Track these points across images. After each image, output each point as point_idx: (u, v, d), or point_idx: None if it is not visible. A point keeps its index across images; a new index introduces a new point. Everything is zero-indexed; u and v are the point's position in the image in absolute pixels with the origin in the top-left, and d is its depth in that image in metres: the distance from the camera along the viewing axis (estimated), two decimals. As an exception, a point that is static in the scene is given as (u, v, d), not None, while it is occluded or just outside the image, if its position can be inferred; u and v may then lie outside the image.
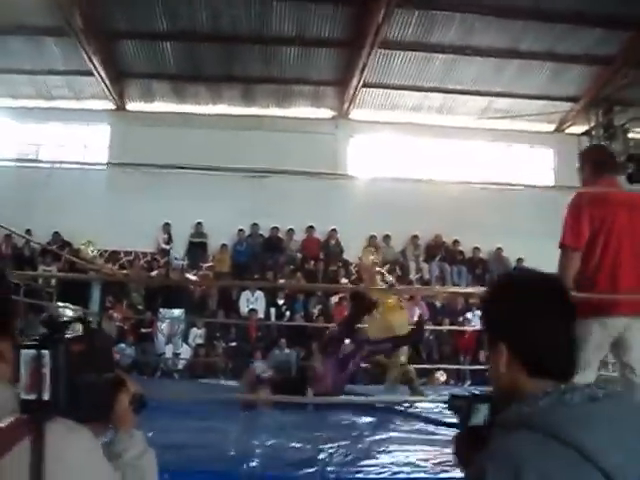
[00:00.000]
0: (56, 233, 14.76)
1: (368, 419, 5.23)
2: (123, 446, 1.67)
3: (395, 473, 3.16)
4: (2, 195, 14.41)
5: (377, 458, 3.58)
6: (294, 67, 14.78)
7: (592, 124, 14.44)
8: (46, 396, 1.48)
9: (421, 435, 4.45)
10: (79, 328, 1.69)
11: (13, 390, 1.50)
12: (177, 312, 10.07)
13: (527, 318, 1.55)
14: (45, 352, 1.51)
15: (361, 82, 14.92)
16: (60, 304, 9.25)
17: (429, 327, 13.50)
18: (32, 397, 1.48)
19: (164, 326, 10.09)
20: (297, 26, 13.51)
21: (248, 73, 15.12)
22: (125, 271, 11.15)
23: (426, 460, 3.50)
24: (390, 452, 3.78)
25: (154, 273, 13.90)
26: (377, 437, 4.35)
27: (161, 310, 10.16)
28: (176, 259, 10.81)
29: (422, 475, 3.11)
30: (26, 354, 1.51)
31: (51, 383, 1.49)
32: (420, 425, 5.07)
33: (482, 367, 12.57)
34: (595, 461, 1.29)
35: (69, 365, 1.53)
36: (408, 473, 3.16)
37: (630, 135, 13.10)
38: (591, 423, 1.34)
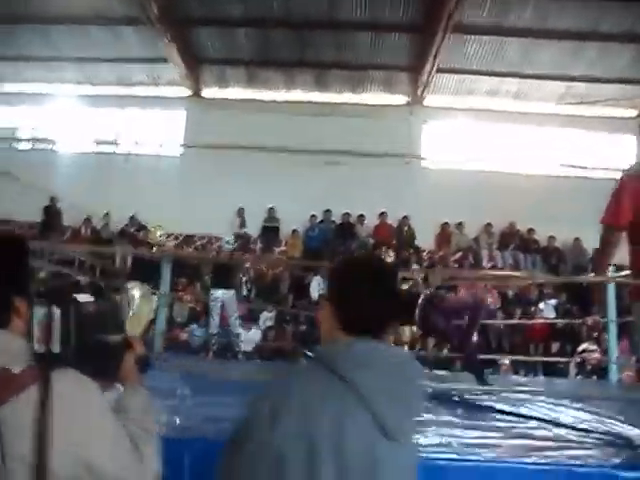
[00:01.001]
0: (132, 217, 15.11)
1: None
2: (128, 400, 1.79)
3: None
4: (82, 179, 14.92)
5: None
6: (367, 52, 14.73)
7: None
8: (55, 349, 1.65)
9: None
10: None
11: (27, 344, 1.64)
12: (226, 293, 10.15)
13: (346, 288, 1.89)
14: (56, 309, 1.67)
15: (435, 67, 14.76)
16: (130, 283, 9.44)
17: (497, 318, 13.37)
18: (43, 349, 1.65)
19: (217, 306, 10.19)
20: (369, 10, 13.47)
21: (321, 59, 15.16)
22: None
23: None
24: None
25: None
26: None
27: (212, 291, 10.27)
28: (227, 243, 10.90)
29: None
30: (38, 310, 1.67)
31: (60, 337, 1.66)
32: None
33: (554, 359, 12.41)
34: (363, 395, 1.66)
35: (78, 323, 1.68)
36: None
37: None
38: (364, 366, 1.70)
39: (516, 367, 12.58)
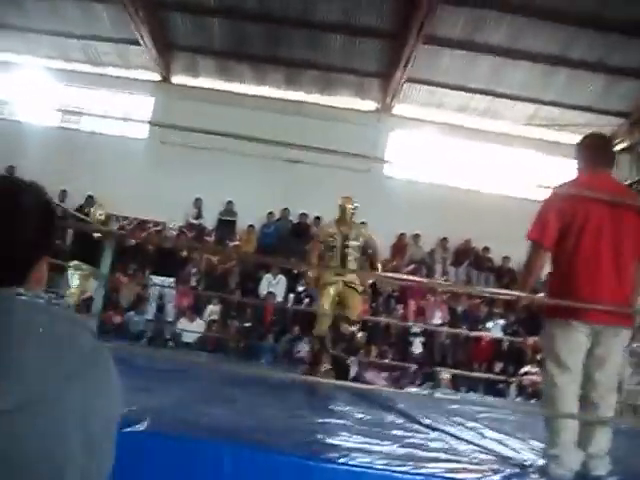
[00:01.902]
0: (90, 196, 14.87)
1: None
2: None
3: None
4: (43, 155, 14.66)
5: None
6: (339, 55, 14.68)
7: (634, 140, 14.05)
8: None
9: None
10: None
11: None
12: (166, 280, 10.05)
13: None
14: None
15: (405, 76, 14.72)
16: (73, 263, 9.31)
17: (445, 330, 13.38)
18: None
19: (155, 294, 10.10)
20: (344, 12, 13.42)
21: (293, 56, 15.06)
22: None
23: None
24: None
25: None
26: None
27: (152, 277, 10.18)
28: (171, 229, 10.80)
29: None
30: None
31: None
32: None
33: (496, 378, 12.43)
34: None
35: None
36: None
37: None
38: None
39: (458, 383, 12.60)
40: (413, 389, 9.80)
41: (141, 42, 14.80)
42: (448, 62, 14.43)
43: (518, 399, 11.70)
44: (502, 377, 12.41)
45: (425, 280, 14.26)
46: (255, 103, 15.83)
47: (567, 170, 16.39)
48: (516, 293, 4.14)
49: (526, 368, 12.29)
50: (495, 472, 3.18)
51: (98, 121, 16.39)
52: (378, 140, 15.99)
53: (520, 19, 12.95)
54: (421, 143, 16.44)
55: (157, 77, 16.32)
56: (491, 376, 12.54)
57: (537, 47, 13.65)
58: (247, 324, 13.02)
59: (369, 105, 16.27)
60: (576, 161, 4.08)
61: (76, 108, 16.45)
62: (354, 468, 2.85)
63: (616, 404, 3.74)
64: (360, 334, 12.53)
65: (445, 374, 12.08)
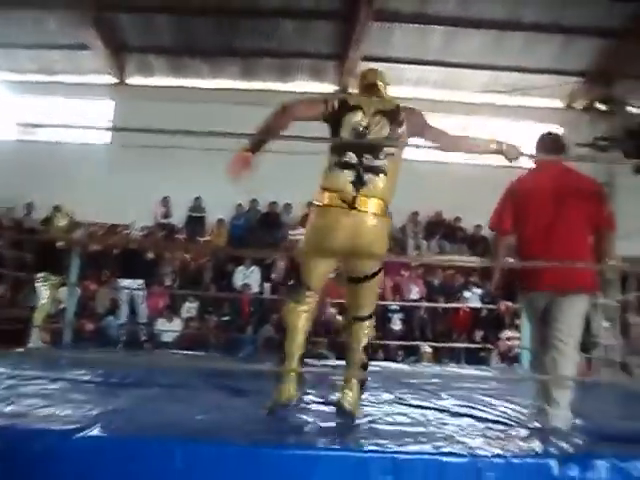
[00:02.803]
0: (57, 206, 14.74)
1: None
2: None
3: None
4: (5, 169, 14.50)
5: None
6: (293, 40, 14.61)
7: (594, 98, 14.09)
8: None
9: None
10: None
11: None
12: (135, 282, 10.04)
13: None
14: None
15: (360, 55, 14.70)
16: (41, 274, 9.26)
17: (423, 304, 13.43)
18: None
19: (124, 296, 10.08)
20: (292, -2, 13.36)
21: (247, 47, 14.97)
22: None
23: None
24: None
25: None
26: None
27: (119, 280, 10.17)
28: (135, 229, 10.77)
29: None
30: None
31: None
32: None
33: (477, 346, 12.52)
34: None
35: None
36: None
37: (630, 109, 12.78)
38: None
39: (439, 355, 12.68)
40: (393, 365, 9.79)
41: (91, 46, 14.64)
42: (401, 37, 14.42)
43: (501, 365, 11.78)
44: (483, 345, 12.49)
45: (410, 257, 14.33)
46: (214, 96, 15.73)
47: (531, 133, 16.56)
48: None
49: (506, 333, 12.38)
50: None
51: (58, 130, 16.22)
52: (340, 121, 15.95)
53: (468, -13, 12.98)
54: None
55: (112, 80, 16.16)
56: (472, 345, 12.64)
57: (488, 13, 13.71)
58: (225, 318, 13.01)
59: (328, 87, 16.21)
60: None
61: (35, 119, 16.31)
62: (308, 452, 2.86)
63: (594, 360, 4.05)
64: (339, 317, 12.66)
65: (426, 348, 12.12)
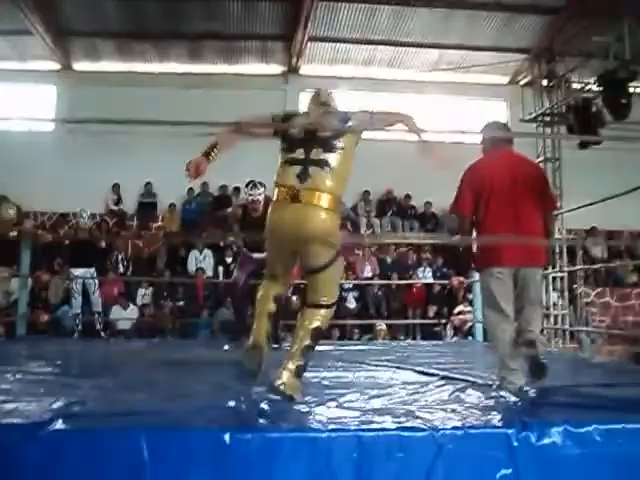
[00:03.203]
0: (3, 197, 14.48)
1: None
2: None
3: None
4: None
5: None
6: (239, 22, 14.48)
7: (535, 75, 14.33)
8: None
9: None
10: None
11: None
12: (87, 271, 9.98)
13: None
14: None
15: (306, 36, 14.70)
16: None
17: (377, 282, 13.59)
18: None
19: (77, 286, 10.01)
20: (237, -21, 13.27)
21: (194, 30, 14.77)
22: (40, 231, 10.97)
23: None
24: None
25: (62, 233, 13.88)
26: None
27: (71, 270, 10.09)
28: (82, 218, 10.67)
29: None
30: None
31: None
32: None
33: (431, 321, 12.73)
34: None
35: None
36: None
37: (572, 85, 13.05)
38: None
39: (395, 332, 12.86)
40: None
41: (34, 32, 14.33)
42: (348, 17, 14.41)
43: (454, 339, 11.99)
44: (437, 320, 12.72)
45: (367, 238, 14.46)
46: (161, 80, 15.66)
47: (476, 109, 16.79)
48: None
49: (459, 307, 12.61)
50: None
51: (2, 116, 15.92)
52: (289, 102, 15.93)
53: (413, -34, 13.06)
54: (334, 100, 16.44)
55: (57, 66, 15.88)
56: (426, 321, 12.85)
57: (433, -8, 13.79)
58: (180, 303, 13.01)
59: (275, 69, 16.24)
60: (482, 146, 4.88)
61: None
62: (271, 434, 2.92)
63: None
64: (294, 297, 12.73)
65: (382, 325, 12.28)
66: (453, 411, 3.40)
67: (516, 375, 4.31)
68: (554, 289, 12.53)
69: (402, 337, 12.79)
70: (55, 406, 3.34)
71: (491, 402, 3.79)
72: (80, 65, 16.03)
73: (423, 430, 2.93)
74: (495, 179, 4.54)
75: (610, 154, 13.18)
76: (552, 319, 12.13)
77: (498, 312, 4.45)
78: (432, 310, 13.36)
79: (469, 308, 11.61)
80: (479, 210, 4.54)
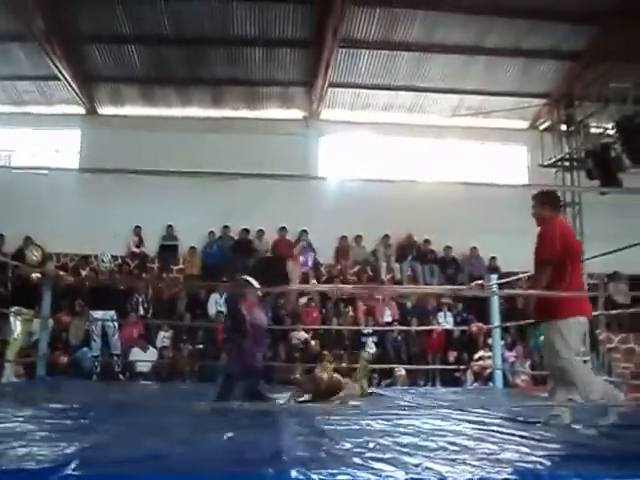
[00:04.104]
0: (28, 238, 14.66)
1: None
2: None
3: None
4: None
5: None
6: (260, 68, 14.79)
7: (555, 120, 14.35)
8: None
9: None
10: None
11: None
12: (107, 314, 10.02)
13: None
14: None
15: (327, 82, 14.93)
16: (13, 308, 9.21)
17: (397, 328, 13.51)
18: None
19: (96, 328, 10.06)
20: (259, 26, 13.57)
21: (215, 75, 15.11)
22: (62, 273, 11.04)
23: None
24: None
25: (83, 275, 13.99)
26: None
27: (92, 312, 10.15)
28: (103, 261, 10.73)
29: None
30: None
31: None
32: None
33: (451, 367, 12.60)
34: None
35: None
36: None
37: (591, 130, 13.05)
38: None
39: (414, 377, 12.74)
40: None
41: (61, 77, 14.66)
42: (368, 63, 14.67)
43: (474, 385, 11.87)
44: (456, 366, 12.59)
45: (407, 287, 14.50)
46: (184, 125, 15.91)
47: (495, 154, 16.86)
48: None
49: (480, 353, 12.49)
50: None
51: (28, 160, 16.18)
52: (309, 146, 16.17)
53: (432, 13, 13.26)
54: (352, 144, 16.64)
55: (82, 110, 16.18)
56: (446, 366, 12.72)
57: (453, 39, 13.99)
58: (200, 346, 12.99)
59: (296, 114, 16.40)
60: (541, 207, 5.36)
61: (4, 150, 16.28)
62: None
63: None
64: (313, 342, 12.71)
65: (400, 370, 12.19)
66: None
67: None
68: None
69: (422, 382, 12.68)
70: (68, 450, 3.35)
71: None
72: (105, 110, 16.33)
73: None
74: (575, 240, 5.42)
75: (630, 197, 13.16)
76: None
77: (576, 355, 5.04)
78: (452, 355, 13.23)
79: (489, 354, 11.49)
80: (565, 265, 5.05)
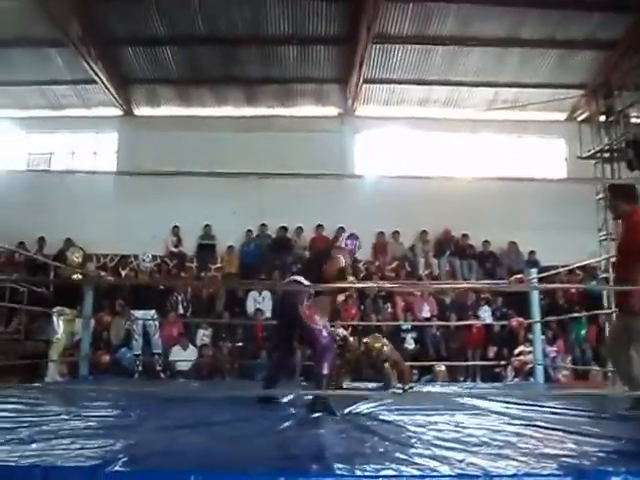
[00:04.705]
0: (68, 239, 14.86)
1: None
2: None
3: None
4: (16, 204, 14.66)
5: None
6: (295, 66, 14.85)
7: (593, 111, 14.13)
8: None
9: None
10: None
11: None
12: (147, 313, 10.11)
13: None
14: None
15: (362, 78, 14.91)
16: (56, 309, 9.35)
17: (435, 323, 13.44)
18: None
19: (137, 328, 10.15)
20: (292, 24, 13.60)
21: (250, 74, 15.20)
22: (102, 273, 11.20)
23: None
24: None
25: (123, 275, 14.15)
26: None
27: (132, 311, 10.24)
28: (144, 261, 10.80)
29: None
30: None
31: None
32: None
33: (491, 363, 12.51)
34: None
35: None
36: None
37: (631, 120, 12.82)
38: None
39: (454, 373, 12.68)
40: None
41: (98, 80, 14.85)
42: (402, 58, 14.64)
43: (515, 380, 11.78)
44: (496, 362, 12.49)
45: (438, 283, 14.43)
46: (219, 124, 15.98)
47: (533, 147, 16.70)
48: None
49: (520, 348, 12.38)
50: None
51: (67, 163, 16.42)
52: (345, 143, 16.18)
53: (466, 7, 13.19)
54: (388, 140, 16.58)
55: (119, 112, 16.38)
56: (486, 362, 12.64)
57: (487, 32, 13.90)
58: (239, 344, 13.06)
59: (331, 111, 16.42)
60: (620, 200, 5.51)
61: (43, 153, 16.54)
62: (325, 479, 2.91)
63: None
64: (351, 338, 12.68)
65: (440, 366, 12.14)
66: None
67: None
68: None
69: (461, 378, 12.62)
70: (115, 447, 3.40)
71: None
72: (141, 111, 16.52)
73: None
74: None
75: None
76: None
77: None
78: (492, 351, 13.13)
79: (529, 349, 11.38)
80: None
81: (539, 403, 6.05)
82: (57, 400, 5.88)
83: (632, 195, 5.45)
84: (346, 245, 6.66)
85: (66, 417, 4.63)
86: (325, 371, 5.57)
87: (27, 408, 5.16)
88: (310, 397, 5.38)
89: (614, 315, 11.44)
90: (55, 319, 9.32)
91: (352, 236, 6.83)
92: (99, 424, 4.37)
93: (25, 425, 4.21)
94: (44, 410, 5.04)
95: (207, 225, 15.76)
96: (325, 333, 5.71)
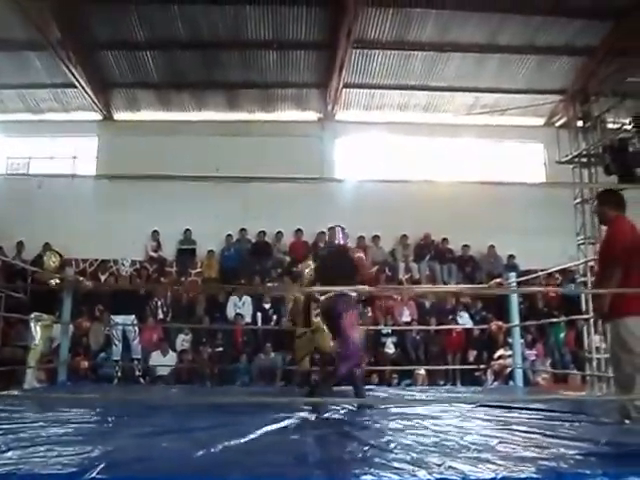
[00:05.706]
0: (47, 244, 14.74)
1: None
2: None
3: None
4: (-5, 208, 14.51)
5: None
6: (275, 71, 14.86)
7: (571, 116, 14.23)
8: None
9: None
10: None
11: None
12: (127, 318, 10.08)
13: None
14: None
15: (341, 83, 14.95)
16: (33, 314, 9.27)
17: (416, 327, 13.47)
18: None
19: (117, 333, 10.12)
20: (273, 29, 13.63)
21: (230, 79, 15.19)
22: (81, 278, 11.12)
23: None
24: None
25: (103, 280, 14.08)
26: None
27: (112, 317, 10.21)
28: (123, 265, 10.79)
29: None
30: None
31: None
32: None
33: (471, 367, 12.55)
34: None
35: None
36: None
37: (608, 126, 12.92)
38: None
39: (434, 377, 12.72)
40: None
41: (77, 84, 14.79)
42: (382, 63, 14.70)
43: (495, 384, 11.84)
44: (476, 365, 12.54)
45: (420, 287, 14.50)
46: (200, 128, 15.94)
47: (512, 152, 16.80)
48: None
49: (499, 352, 12.45)
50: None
51: (46, 167, 16.30)
52: (325, 148, 16.20)
53: (445, 13, 13.27)
54: (368, 145, 16.60)
55: (99, 116, 16.30)
56: (466, 366, 12.67)
57: (466, 38, 14.01)
58: (219, 349, 13.04)
59: (311, 116, 16.43)
60: (606, 207, 5.54)
61: (22, 158, 16.41)
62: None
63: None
64: (332, 343, 12.69)
65: (420, 370, 12.19)
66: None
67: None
68: (596, 332, 12.28)
69: (442, 382, 12.65)
70: (93, 454, 3.38)
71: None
72: (121, 115, 16.44)
73: None
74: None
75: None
76: (594, 364, 11.82)
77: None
78: (472, 355, 13.18)
79: (509, 353, 11.45)
80: (632, 264, 5.10)
81: (518, 406, 6.08)
82: (35, 407, 5.82)
83: (619, 203, 5.49)
84: (343, 239, 6.98)
85: (44, 424, 4.59)
86: (342, 372, 6.18)
87: (4, 415, 5.11)
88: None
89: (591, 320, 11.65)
90: (33, 325, 9.25)
91: (343, 230, 7.03)
92: (77, 431, 4.34)
93: (1, 432, 4.17)
94: (21, 417, 4.99)
95: (187, 230, 15.69)
96: (354, 344, 6.29)
